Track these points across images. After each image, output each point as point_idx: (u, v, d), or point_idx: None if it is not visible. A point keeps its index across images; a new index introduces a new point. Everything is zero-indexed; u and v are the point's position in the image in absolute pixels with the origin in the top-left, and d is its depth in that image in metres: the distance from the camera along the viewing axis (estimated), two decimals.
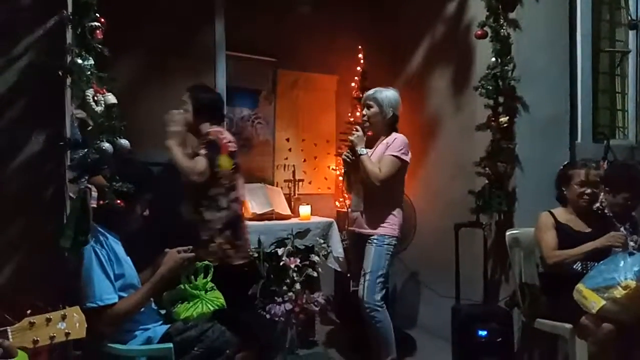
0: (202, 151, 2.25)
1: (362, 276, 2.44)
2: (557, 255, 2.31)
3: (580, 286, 2.13)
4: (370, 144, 2.54)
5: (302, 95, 3.71)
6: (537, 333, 2.42)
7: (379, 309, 2.41)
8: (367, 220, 2.51)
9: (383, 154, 2.46)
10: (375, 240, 2.46)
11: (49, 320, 1.07)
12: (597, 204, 2.51)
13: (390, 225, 2.48)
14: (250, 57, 3.47)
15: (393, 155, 2.43)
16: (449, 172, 3.26)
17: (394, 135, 2.52)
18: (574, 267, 2.31)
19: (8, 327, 1.03)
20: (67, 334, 1.07)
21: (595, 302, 2.04)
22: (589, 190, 2.38)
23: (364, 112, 2.58)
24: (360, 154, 2.45)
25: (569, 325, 2.23)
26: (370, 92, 2.58)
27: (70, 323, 1.08)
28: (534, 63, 2.80)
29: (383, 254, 2.44)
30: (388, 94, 2.54)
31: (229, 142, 2.36)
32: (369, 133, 2.57)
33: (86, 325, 1.11)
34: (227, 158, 2.31)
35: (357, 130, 2.51)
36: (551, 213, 2.45)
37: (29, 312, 1.08)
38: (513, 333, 2.60)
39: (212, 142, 2.28)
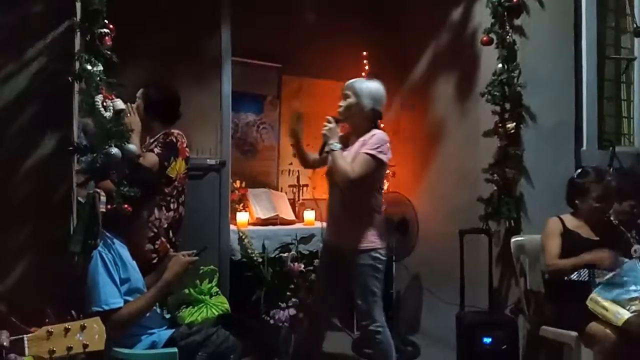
0: (156, 150, 2.22)
1: (355, 302, 2.20)
2: (554, 264, 2.31)
3: (596, 296, 2.11)
4: (349, 141, 2.27)
5: (306, 100, 3.72)
6: (542, 341, 2.41)
7: (379, 329, 2.20)
8: (344, 232, 2.22)
9: (358, 151, 2.17)
10: (355, 260, 2.16)
11: (67, 330, 1.02)
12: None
13: (370, 238, 2.18)
14: (256, 62, 3.49)
15: (368, 154, 2.12)
16: (454, 178, 3.25)
17: (373, 131, 2.21)
18: (581, 274, 2.30)
19: (25, 336, 0.99)
20: (85, 346, 1.02)
21: (619, 314, 2.02)
22: (604, 205, 2.36)
23: (340, 102, 2.28)
24: (332, 149, 2.15)
25: (574, 333, 2.22)
26: (350, 81, 2.29)
27: (89, 334, 1.03)
28: (540, 70, 2.80)
29: (369, 274, 2.16)
30: (369, 85, 2.25)
31: (186, 146, 2.36)
32: (346, 127, 2.31)
33: (105, 337, 1.06)
34: (182, 162, 2.32)
35: (329, 122, 2.20)
36: (560, 219, 2.43)
37: (47, 320, 1.06)
38: (518, 341, 2.59)
39: (171, 143, 2.28)
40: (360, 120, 2.25)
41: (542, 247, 2.44)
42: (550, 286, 2.44)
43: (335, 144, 2.16)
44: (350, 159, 2.15)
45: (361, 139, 2.20)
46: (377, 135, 2.19)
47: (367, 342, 2.35)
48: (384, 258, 2.21)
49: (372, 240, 2.18)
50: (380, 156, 2.14)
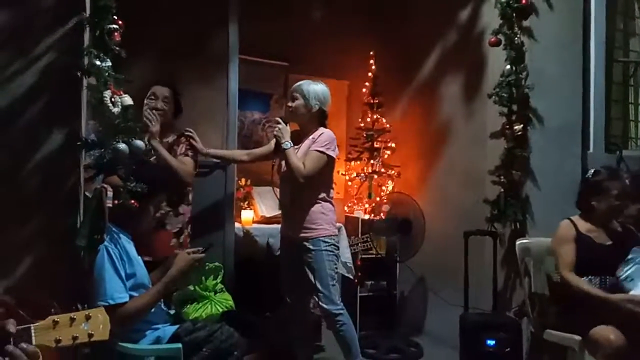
0: (190, 153, 2.45)
1: (313, 289, 2.34)
2: (573, 280, 2.23)
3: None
4: (299, 140, 2.43)
5: None
6: (546, 344, 2.40)
7: (341, 311, 2.34)
8: (295, 223, 2.38)
9: (309, 148, 2.35)
10: (310, 249, 2.32)
11: (72, 320, 1.03)
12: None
13: (322, 226, 2.35)
14: (262, 60, 3.49)
15: (318, 151, 2.32)
16: (460, 179, 3.25)
17: (321, 130, 2.40)
18: (592, 281, 2.26)
19: (31, 325, 1.01)
20: (90, 335, 1.03)
21: None
22: (622, 204, 2.33)
23: (288, 103, 2.46)
24: (285, 148, 2.32)
25: (578, 337, 2.20)
26: (298, 83, 2.46)
27: (94, 324, 1.04)
28: (547, 72, 2.79)
29: (324, 259, 2.32)
30: (315, 87, 2.42)
31: None
32: (294, 126, 2.47)
33: (110, 328, 1.07)
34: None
35: (278, 123, 2.38)
36: (572, 222, 2.38)
37: (53, 310, 1.07)
38: (522, 343, 2.58)
39: (191, 145, 2.48)
40: (308, 120, 2.43)
41: (553, 252, 2.39)
42: (556, 289, 2.43)
43: (287, 143, 2.33)
44: (302, 156, 2.33)
45: (310, 137, 2.39)
46: (325, 133, 2.38)
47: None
48: (336, 244, 2.41)
49: (323, 227, 2.35)
50: (329, 152, 2.34)
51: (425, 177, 3.58)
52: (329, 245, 2.36)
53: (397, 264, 3.38)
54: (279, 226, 3.07)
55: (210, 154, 2.60)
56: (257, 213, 3.19)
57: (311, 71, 3.63)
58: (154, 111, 2.35)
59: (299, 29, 3.50)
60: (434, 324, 3.39)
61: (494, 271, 2.78)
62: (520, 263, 2.57)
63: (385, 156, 3.60)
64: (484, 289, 2.84)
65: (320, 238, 2.34)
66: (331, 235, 2.38)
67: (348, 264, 3.13)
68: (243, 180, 3.20)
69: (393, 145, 3.59)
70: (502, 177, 2.78)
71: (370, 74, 3.64)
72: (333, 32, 3.61)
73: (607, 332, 2.05)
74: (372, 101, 3.60)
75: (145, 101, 2.42)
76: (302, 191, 2.35)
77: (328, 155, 2.34)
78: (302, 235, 2.35)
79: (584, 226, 2.37)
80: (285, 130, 2.36)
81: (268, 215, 3.16)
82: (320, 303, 2.32)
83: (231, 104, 2.92)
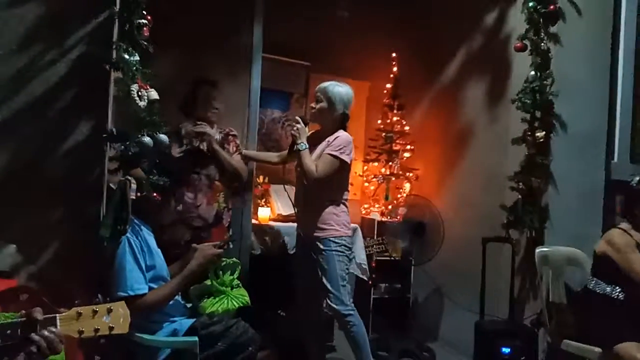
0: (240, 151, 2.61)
1: (324, 289, 2.32)
2: None
3: None
4: (318, 140, 2.42)
5: None
6: (562, 354, 2.36)
7: (351, 312, 2.32)
8: (308, 222, 2.38)
9: (322, 151, 2.35)
10: (321, 248, 2.32)
11: (95, 312, 1.07)
12: None
13: (333, 227, 2.34)
14: (285, 59, 3.51)
15: (331, 154, 2.30)
16: (480, 184, 3.21)
17: (338, 133, 2.37)
18: (616, 289, 2.22)
19: (57, 315, 1.05)
20: (111, 328, 1.08)
21: None
22: None
23: (312, 104, 2.45)
24: (299, 149, 2.32)
25: (598, 350, 2.16)
26: (323, 85, 2.41)
27: (115, 317, 1.09)
28: (573, 78, 2.74)
29: (335, 260, 2.31)
30: (341, 90, 2.40)
31: None
32: (314, 126, 2.47)
33: (129, 321, 1.11)
34: None
35: (297, 122, 2.37)
36: (625, 231, 2.27)
37: (76, 302, 1.10)
38: (537, 352, 2.54)
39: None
40: (329, 122, 2.41)
41: (624, 265, 2.21)
42: (579, 300, 2.37)
43: (302, 144, 2.33)
44: (316, 158, 2.34)
45: (326, 139, 2.37)
46: (341, 137, 2.35)
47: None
48: (348, 245, 2.41)
49: (334, 228, 2.34)
50: (343, 157, 2.32)
51: (444, 181, 3.55)
52: (339, 246, 2.34)
53: (412, 268, 3.36)
54: (294, 225, 3.10)
55: (248, 155, 2.70)
56: (274, 211, 3.20)
57: (332, 71, 3.63)
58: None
59: (321, 29, 3.51)
60: (449, 330, 3.36)
61: (512, 278, 2.75)
62: (538, 271, 2.53)
63: (404, 158, 3.59)
64: (500, 296, 2.80)
65: (331, 238, 2.33)
66: (342, 236, 2.36)
67: (363, 265, 3.12)
68: (261, 177, 3.22)
69: (412, 147, 3.57)
70: (520, 183, 2.74)
71: (391, 75, 3.63)
72: (355, 33, 3.60)
73: (633, 350, 2.00)
74: (392, 103, 3.59)
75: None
76: (314, 192, 2.35)
77: (341, 160, 2.32)
78: (314, 234, 2.35)
79: (637, 236, 2.26)
80: (303, 131, 2.36)
81: (285, 214, 3.17)
82: (330, 303, 2.32)
83: (253, 102, 2.94)
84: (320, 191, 2.35)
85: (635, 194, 2.34)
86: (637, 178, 2.35)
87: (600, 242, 2.35)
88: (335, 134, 2.37)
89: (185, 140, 2.48)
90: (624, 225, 2.32)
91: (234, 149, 2.58)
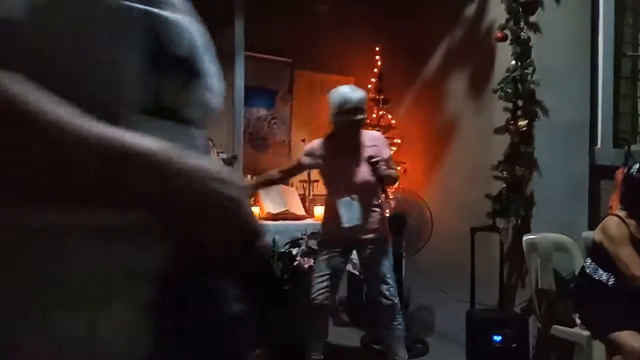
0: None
1: (380, 284, 2.42)
2: None
3: None
4: (337, 145, 2.46)
5: (318, 95, 3.72)
6: (553, 340, 2.39)
7: (401, 311, 2.47)
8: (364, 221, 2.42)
9: (376, 154, 2.47)
10: (382, 243, 2.46)
11: None
12: None
13: (385, 225, 2.53)
14: (268, 57, 3.50)
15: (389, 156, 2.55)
16: (466, 175, 3.23)
17: (369, 132, 2.58)
18: (608, 280, 2.20)
19: None
20: None
21: None
22: None
23: (359, 116, 2.40)
24: (385, 175, 2.48)
25: (586, 333, 2.20)
26: (361, 94, 2.41)
27: None
28: (554, 67, 2.77)
29: (386, 257, 2.46)
30: (364, 96, 2.47)
31: None
32: (315, 134, 2.70)
33: None
34: None
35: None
36: (622, 220, 2.21)
37: None
38: (528, 339, 2.57)
39: None
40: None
41: (612, 255, 2.19)
42: (577, 289, 2.36)
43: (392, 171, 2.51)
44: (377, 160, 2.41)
45: (368, 141, 2.45)
46: (380, 136, 2.57)
47: (376, 337, 2.41)
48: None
49: (386, 226, 2.49)
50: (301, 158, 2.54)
51: (431, 173, 3.57)
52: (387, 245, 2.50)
53: (403, 260, 3.38)
54: (285, 223, 3.10)
55: (258, 185, 2.70)
56: (263, 210, 3.20)
57: (316, 67, 3.64)
58: None
59: (304, 25, 3.49)
60: (440, 320, 3.39)
61: (501, 267, 2.78)
62: (527, 259, 2.56)
63: (391, 152, 3.59)
64: (490, 284, 2.83)
65: (386, 233, 2.51)
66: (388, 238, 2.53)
67: (354, 260, 3.12)
68: (249, 176, 3.21)
69: (399, 141, 3.59)
70: (504, 172, 2.77)
71: (375, 70, 3.63)
72: (338, 28, 3.60)
73: (631, 339, 2.01)
74: (377, 97, 3.59)
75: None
76: (367, 194, 2.45)
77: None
78: (370, 228, 2.45)
79: (632, 225, 2.21)
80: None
81: (274, 212, 3.17)
82: (390, 296, 2.41)
83: (237, 101, 2.94)
84: (372, 192, 2.45)
85: (635, 182, 2.27)
86: (637, 165, 2.29)
87: (597, 228, 2.31)
88: (371, 134, 2.52)
89: None
90: (621, 212, 2.26)
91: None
